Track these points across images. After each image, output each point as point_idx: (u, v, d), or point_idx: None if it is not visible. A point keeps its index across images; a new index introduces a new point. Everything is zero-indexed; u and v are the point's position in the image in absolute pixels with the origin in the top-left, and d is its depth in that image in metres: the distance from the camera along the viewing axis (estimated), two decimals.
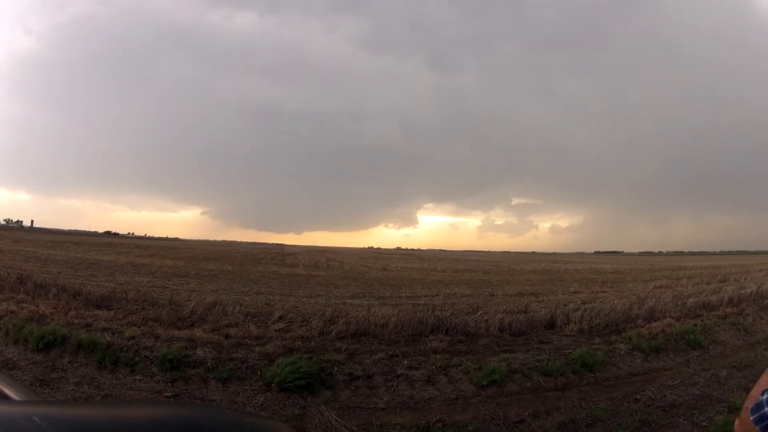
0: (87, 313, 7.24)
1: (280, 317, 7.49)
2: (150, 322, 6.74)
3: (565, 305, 9.72)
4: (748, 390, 1.21)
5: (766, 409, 1.03)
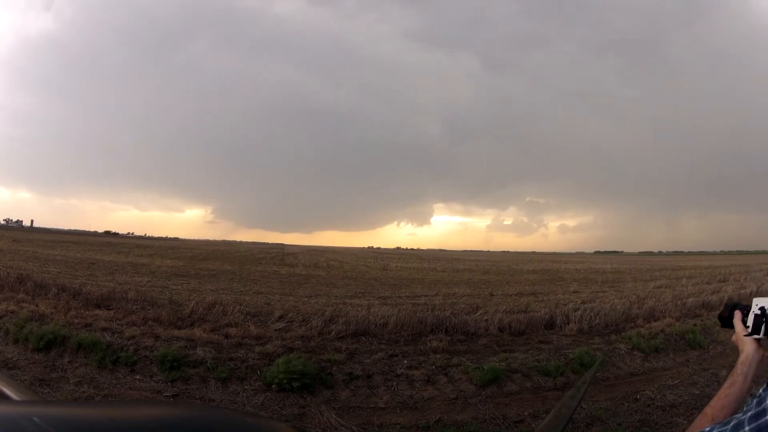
0: (87, 312, 7.24)
1: (280, 317, 7.50)
2: (150, 321, 6.74)
3: (564, 305, 9.73)
4: (748, 390, 1.22)
5: None
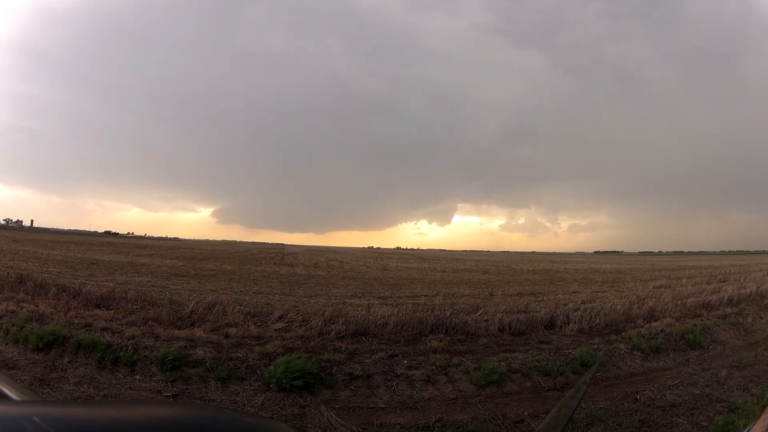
0: (87, 312, 7.24)
1: (280, 317, 7.49)
2: (150, 321, 6.74)
3: (564, 305, 9.73)
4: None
5: None
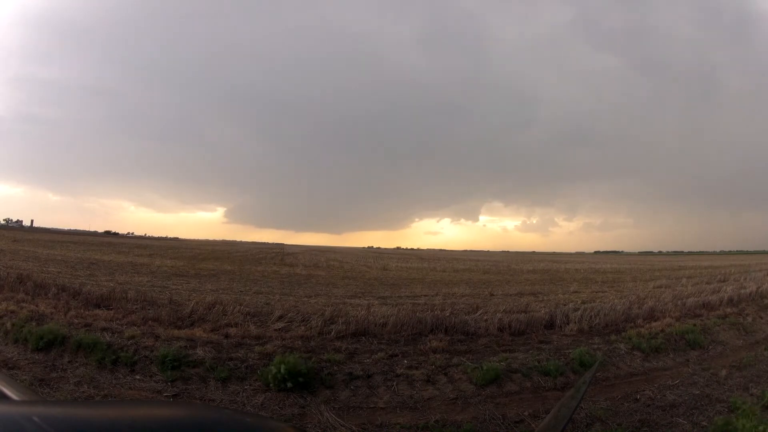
0: (87, 312, 7.24)
1: (280, 317, 7.49)
2: (150, 321, 6.74)
3: (564, 305, 9.73)
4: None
5: None
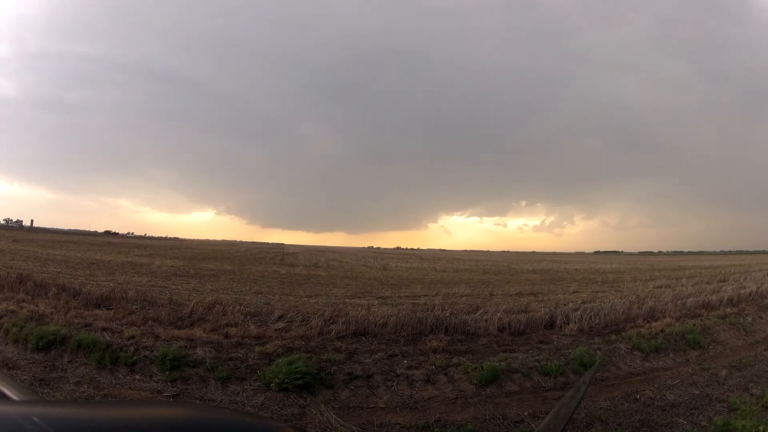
0: (87, 312, 7.24)
1: (280, 317, 7.49)
2: (150, 321, 6.74)
3: (564, 305, 9.73)
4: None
5: None
